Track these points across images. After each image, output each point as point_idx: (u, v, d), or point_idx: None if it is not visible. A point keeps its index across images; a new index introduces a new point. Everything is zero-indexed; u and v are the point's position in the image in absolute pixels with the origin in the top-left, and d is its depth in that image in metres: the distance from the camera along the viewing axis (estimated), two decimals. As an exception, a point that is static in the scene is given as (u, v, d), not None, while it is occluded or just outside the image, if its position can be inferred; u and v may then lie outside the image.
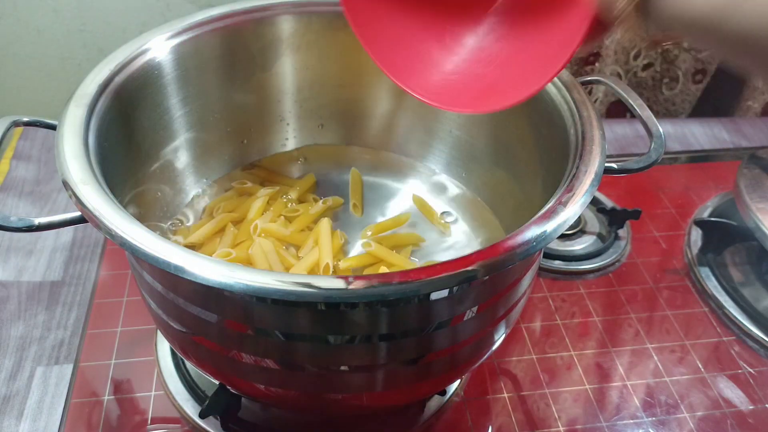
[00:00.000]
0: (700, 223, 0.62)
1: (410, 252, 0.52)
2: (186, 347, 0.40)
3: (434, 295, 0.34)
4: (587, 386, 0.51)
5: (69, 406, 0.47)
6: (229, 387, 0.44)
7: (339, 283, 0.30)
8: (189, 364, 0.50)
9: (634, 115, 0.44)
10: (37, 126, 0.42)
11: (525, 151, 0.49)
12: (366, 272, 0.50)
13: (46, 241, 0.60)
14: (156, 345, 0.51)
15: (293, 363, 0.37)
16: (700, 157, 0.76)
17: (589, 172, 0.37)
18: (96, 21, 0.75)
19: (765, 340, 0.54)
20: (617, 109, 0.84)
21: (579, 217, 0.64)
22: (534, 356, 0.53)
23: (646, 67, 0.82)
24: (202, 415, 0.46)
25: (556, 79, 0.44)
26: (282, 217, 0.53)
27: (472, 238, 0.53)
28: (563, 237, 0.63)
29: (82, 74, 0.42)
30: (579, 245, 0.62)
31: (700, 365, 0.53)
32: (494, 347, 0.42)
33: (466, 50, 0.41)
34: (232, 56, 0.52)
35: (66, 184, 0.35)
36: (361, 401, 0.40)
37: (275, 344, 0.36)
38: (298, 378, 0.38)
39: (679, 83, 0.83)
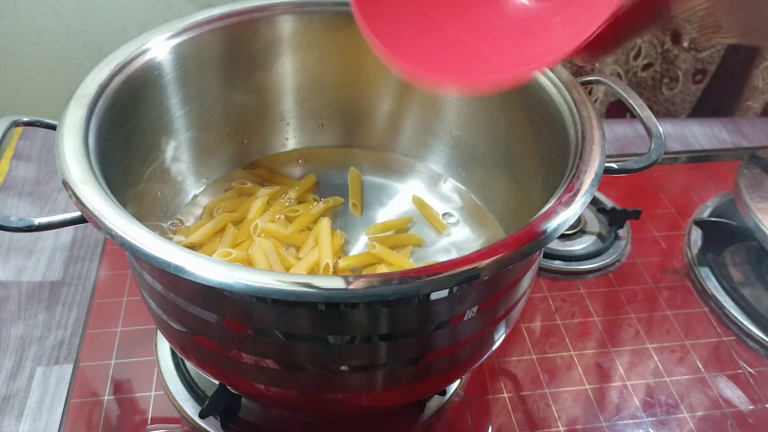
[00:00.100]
0: (700, 223, 0.62)
1: (410, 252, 0.52)
2: (186, 347, 0.40)
3: (434, 295, 0.34)
4: (587, 386, 0.51)
5: (69, 406, 0.47)
6: (229, 387, 0.44)
7: (339, 283, 0.30)
8: (189, 364, 0.50)
9: (634, 115, 0.44)
10: (37, 126, 0.42)
11: (525, 151, 0.49)
12: (366, 272, 0.50)
13: (46, 241, 0.60)
14: (156, 345, 0.51)
15: (293, 363, 0.37)
16: (700, 157, 0.76)
17: (589, 172, 0.37)
18: (96, 21, 0.75)
19: (765, 340, 0.54)
20: (617, 109, 0.84)
21: (579, 217, 0.64)
22: (534, 356, 0.53)
23: (646, 67, 0.82)
24: (202, 415, 0.46)
25: (556, 78, 0.44)
26: (282, 217, 0.53)
27: (472, 239, 0.53)
28: (563, 237, 0.63)
29: (82, 74, 0.42)
30: (579, 245, 0.62)
31: (700, 365, 0.53)
32: (494, 347, 0.42)
33: (486, 21, 0.40)
34: (232, 56, 0.52)
35: (66, 184, 0.35)
36: (361, 401, 0.40)
37: (275, 344, 0.36)
38: (298, 378, 0.38)
39: (679, 83, 0.83)
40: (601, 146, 0.39)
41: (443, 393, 0.49)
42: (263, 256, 0.48)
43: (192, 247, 0.51)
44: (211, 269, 0.30)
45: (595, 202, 0.66)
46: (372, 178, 0.58)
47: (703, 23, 0.29)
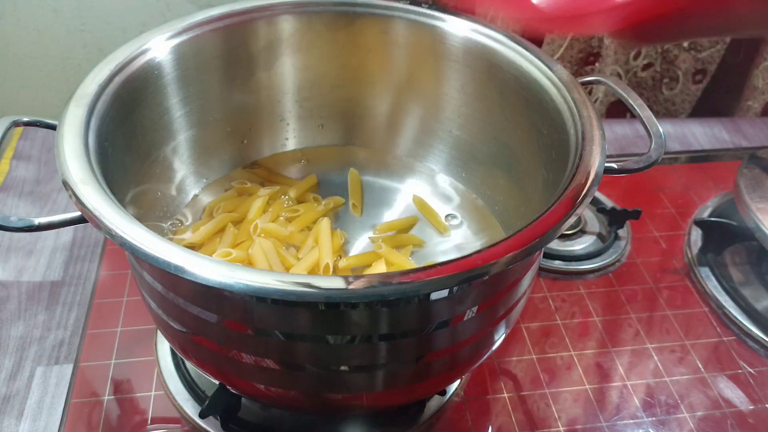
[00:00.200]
0: (700, 223, 0.62)
1: (410, 252, 0.52)
2: (186, 347, 0.40)
3: (434, 295, 0.34)
4: (587, 386, 0.51)
5: (69, 406, 0.47)
6: (229, 387, 0.44)
7: (339, 283, 0.30)
8: (189, 364, 0.50)
9: (634, 115, 0.44)
10: (37, 126, 0.42)
11: (525, 151, 0.49)
12: (366, 272, 0.50)
13: (46, 241, 0.60)
14: (156, 345, 0.51)
15: (293, 363, 0.37)
16: (700, 157, 0.76)
17: (590, 172, 0.37)
18: (96, 21, 0.75)
19: (765, 340, 0.54)
20: (617, 109, 0.84)
21: (579, 217, 0.64)
22: (534, 356, 0.53)
23: (646, 67, 0.82)
24: (202, 415, 0.46)
25: (556, 78, 0.44)
26: (282, 217, 0.53)
27: (472, 239, 0.53)
28: (563, 237, 0.63)
29: (81, 74, 0.42)
30: (579, 245, 0.62)
31: (700, 365, 0.53)
32: (494, 347, 0.42)
33: None
34: (232, 56, 0.52)
35: (66, 184, 0.35)
36: (361, 401, 0.40)
37: (275, 344, 0.36)
38: (298, 378, 0.38)
39: (679, 83, 0.83)
40: (601, 146, 0.39)
41: (443, 393, 0.49)
42: (263, 256, 0.48)
43: (192, 247, 0.51)
44: (211, 269, 0.30)
45: (595, 202, 0.66)
46: (372, 178, 0.58)
47: None
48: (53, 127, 0.39)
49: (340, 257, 0.51)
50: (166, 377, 0.49)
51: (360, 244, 0.53)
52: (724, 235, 0.61)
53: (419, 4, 0.51)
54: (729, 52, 0.81)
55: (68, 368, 0.50)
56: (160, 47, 0.46)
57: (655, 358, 0.53)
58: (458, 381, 0.50)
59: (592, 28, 0.42)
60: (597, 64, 0.77)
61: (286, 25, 0.52)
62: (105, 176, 0.37)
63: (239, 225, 0.52)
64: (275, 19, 0.52)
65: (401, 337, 0.36)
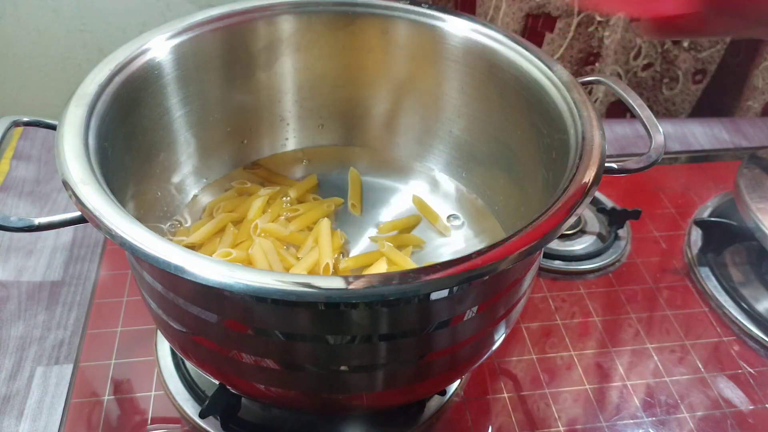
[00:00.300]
0: (700, 223, 0.62)
1: (410, 253, 0.52)
2: (186, 347, 0.40)
3: (434, 295, 0.34)
4: (587, 386, 0.51)
5: (69, 406, 0.47)
6: (229, 387, 0.44)
7: (339, 283, 0.30)
8: (189, 364, 0.50)
9: (634, 115, 0.44)
10: (37, 126, 0.42)
11: (525, 151, 0.49)
12: (366, 272, 0.50)
13: (46, 241, 0.60)
14: (156, 345, 0.51)
15: (293, 363, 0.37)
16: (700, 157, 0.76)
17: (589, 172, 0.37)
18: (96, 21, 0.75)
19: (765, 340, 0.54)
20: (617, 109, 0.84)
21: (579, 217, 0.64)
22: (534, 356, 0.53)
23: (646, 67, 0.82)
24: (202, 415, 0.46)
25: (556, 78, 0.44)
26: (282, 217, 0.53)
27: (472, 239, 0.53)
28: (563, 237, 0.63)
29: (81, 74, 0.42)
30: (579, 245, 0.62)
31: (700, 365, 0.53)
32: (494, 347, 0.42)
33: None
34: (232, 56, 0.52)
35: (66, 184, 0.35)
36: (361, 401, 0.41)
37: (275, 344, 0.36)
38: (298, 378, 0.38)
39: (679, 83, 0.83)
40: (601, 146, 0.39)
41: (443, 393, 0.49)
42: (263, 256, 0.48)
43: (192, 247, 0.51)
44: (211, 269, 0.30)
45: (595, 202, 0.66)
46: (372, 178, 0.58)
47: None
48: (53, 127, 0.39)
49: (342, 255, 0.51)
50: (166, 377, 0.49)
51: (360, 244, 0.53)
52: (724, 235, 0.61)
53: (419, 4, 0.51)
54: (729, 53, 0.81)
55: (68, 368, 0.50)
56: (160, 47, 0.46)
57: (655, 358, 0.53)
58: (458, 381, 0.50)
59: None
60: (597, 64, 0.77)
61: (286, 25, 0.52)
62: (105, 176, 0.37)
63: (239, 225, 0.52)
64: (275, 19, 0.52)
65: (401, 337, 0.36)
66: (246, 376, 0.38)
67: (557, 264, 0.60)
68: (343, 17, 0.53)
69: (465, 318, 0.36)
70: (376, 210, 0.56)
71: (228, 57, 0.51)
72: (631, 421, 0.48)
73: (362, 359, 0.36)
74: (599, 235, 0.63)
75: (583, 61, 0.77)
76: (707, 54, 0.80)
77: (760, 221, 0.56)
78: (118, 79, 0.43)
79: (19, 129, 0.73)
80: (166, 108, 0.49)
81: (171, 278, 0.35)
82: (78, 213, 0.34)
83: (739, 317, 0.56)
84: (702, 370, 0.52)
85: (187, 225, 0.53)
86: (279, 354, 0.36)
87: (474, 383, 0.50)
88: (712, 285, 0.59)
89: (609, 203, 0.65)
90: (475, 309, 0.36)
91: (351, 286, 0.30)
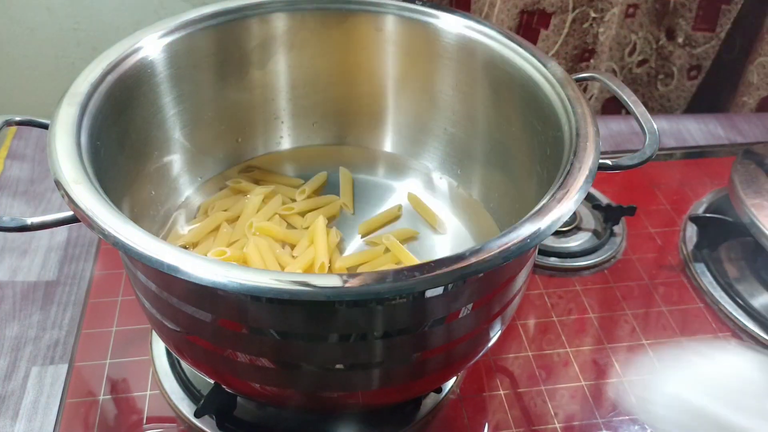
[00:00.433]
0: (696, 219, 0.62)
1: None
2: (181, 347, 0.40)
3: (429, 293, 0.34)
4: (583, 383, 0.51)
5: (64, 406, 0.47)
6: (224, 386, 0.44)
7: (334, 282, 0.30)
8: (184, 364, 0.50)
9: (629, 112, 0.44)
10: (29, 125, 0.42)
11: (519, 149, 0.49)
12: (361, 270, 0.50)
13: (40, 240, 0.60)
14: (151, 344, 0.51)
15: (288, 362, 0.37)
16: (695, 153, 0.76)
17: (584, 169, 0.37)
18: (89, 19, 0.74)
19: (760, 336, 0.54)
20: (612, 106, 0.84)
21: (574, 213, 0.64)
22: (530, 353, 0.53)
23: (641, 63, 0.82)
24: (197, 415, 0.46)
25: (550, 75, 0.44)
26: (277, 215, 0.53)
27: (467, 236, 0.53)
28: (558, 234, 0.63)
29: (75, 73, 0.42)
30: (574, 242, 0.62)
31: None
32: (490, 344, 0.42)
33: None
34: (226, 54, 0.51)
35: (58, 184, 0.35)
36: (356, 399, 0.40)
37: (270, 343, 0.35)
38: (294, 376, 0.38)
39: (674, 79, 0.83)
40: (596, 143, 0.39)
41: (439, 390, 0.49)
42: (258, 255, 0.48)
43: (186, 246, 0.50)
44: (205, 268, 0.30)
45: (590, 199, 0.66)
46: (367, 176, 0.58)
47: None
48: (46, 127, 0.39)
49: (340, 240, 0.51)
50: (161, 377, 0.49)
51: (355, 242, 0.53)
52: (719, 231, 0.61)
53: (413, 1, 0.51)
54: (724, 48, 0.81)
55: (63, 368, 0.50)
56: (153, 45, 0.46)
57: (651, 354, 0.53)
58: (454, 378, 0.50)
59: None
60: (592, 61, 0.77)
61: (280, 23, 0.52)
62: (98, 175, 0.37)
63: (234, 224, 0.52)
64: (268, 17, 0.52)
65: (397, 335, 0.36)
66: (241, 375, 0.38)
67: (553, 261, 0.60)
68: (336, 14, 0.53)
69: (460, 315, 0.36)
70: (371, 209, 0.55)
71: (221, 55, 0.51)
72: (627, 417, 0.49)
73: (358, 357, 0.36)
74: (594, 232, 0.63)
75: (578, 58, 0.77)
76: (702, 50, 0.80)
77: (755, 217, 0.56)
78: (110, 78, 0.43)
79: (13, 128, 0.72)
80: (159, 106, 0.49)
81: (165, 278, 0.35)
82: (71, 212, 0.34)
83: (734, 313, 0.56)
84: (697, 365, 0.52)
85: (181, 224, 0.52)
86: (274, 353, 0.36)
87: (470, 381, 0.50)
88: (708, 281, 0.59)
89: (604, 200, 0.65)
90: (470, 306, 0.36)
91: (346, 285, 0.30)
